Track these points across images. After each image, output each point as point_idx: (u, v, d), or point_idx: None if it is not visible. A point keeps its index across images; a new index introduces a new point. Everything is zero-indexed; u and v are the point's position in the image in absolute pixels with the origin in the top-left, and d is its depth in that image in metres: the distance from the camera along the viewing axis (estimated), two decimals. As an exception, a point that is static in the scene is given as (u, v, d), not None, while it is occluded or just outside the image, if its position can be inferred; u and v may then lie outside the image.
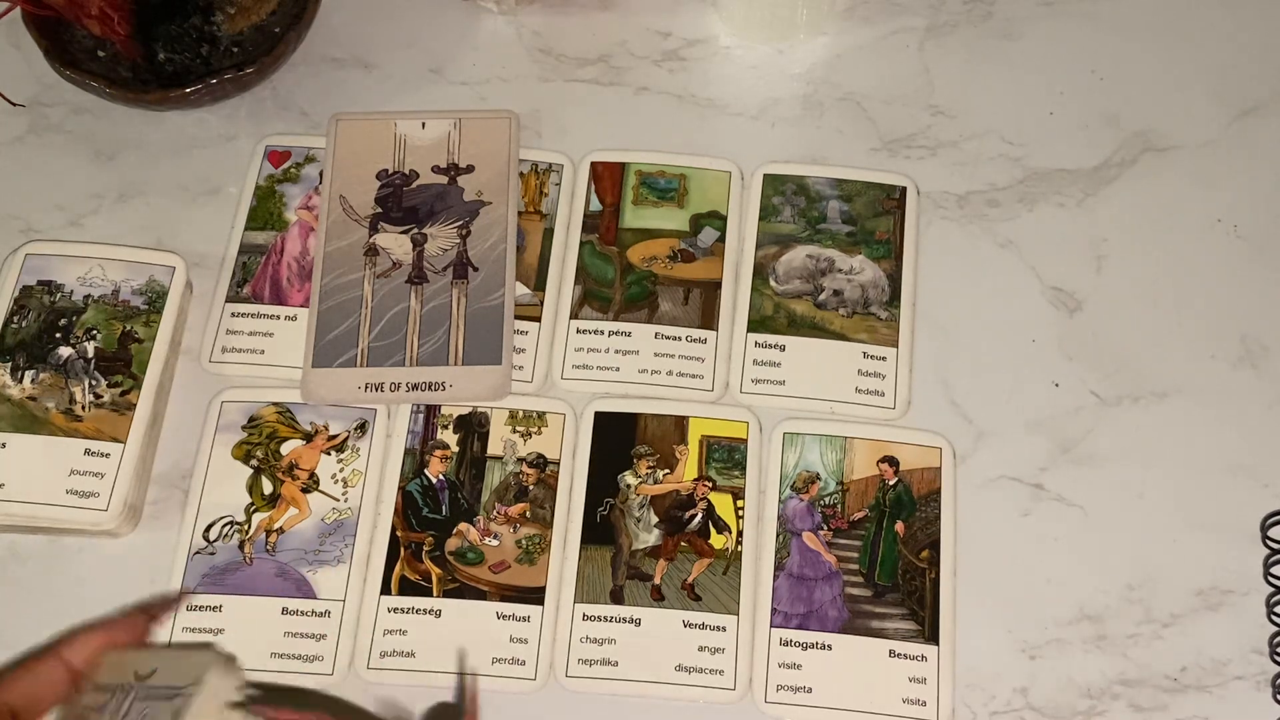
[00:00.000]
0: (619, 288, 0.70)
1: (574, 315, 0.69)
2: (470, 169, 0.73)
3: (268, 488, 0.65)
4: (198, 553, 0.63)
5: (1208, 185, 0.73)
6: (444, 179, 0.73)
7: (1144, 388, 0.67)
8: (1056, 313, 0.69)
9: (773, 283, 0.70)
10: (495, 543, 0.64)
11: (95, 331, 0.66)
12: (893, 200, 0.72)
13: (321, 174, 0.73)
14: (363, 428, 0.66)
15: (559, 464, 0.65)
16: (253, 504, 0.64)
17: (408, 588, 0.63)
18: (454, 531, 0.64)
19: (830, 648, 0.61)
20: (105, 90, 0.71)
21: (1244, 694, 0.60)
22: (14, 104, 0.75)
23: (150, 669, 0.46)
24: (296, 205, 0.72)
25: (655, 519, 0.64)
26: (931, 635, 0.61)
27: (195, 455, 0.65)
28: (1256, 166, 0.74)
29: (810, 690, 0.60)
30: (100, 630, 0.49)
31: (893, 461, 0.65)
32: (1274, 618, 0.62)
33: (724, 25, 0.78)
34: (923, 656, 0.61)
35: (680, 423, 0.66)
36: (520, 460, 0.65)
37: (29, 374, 0.65)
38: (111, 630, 0.50)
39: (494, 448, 0.66)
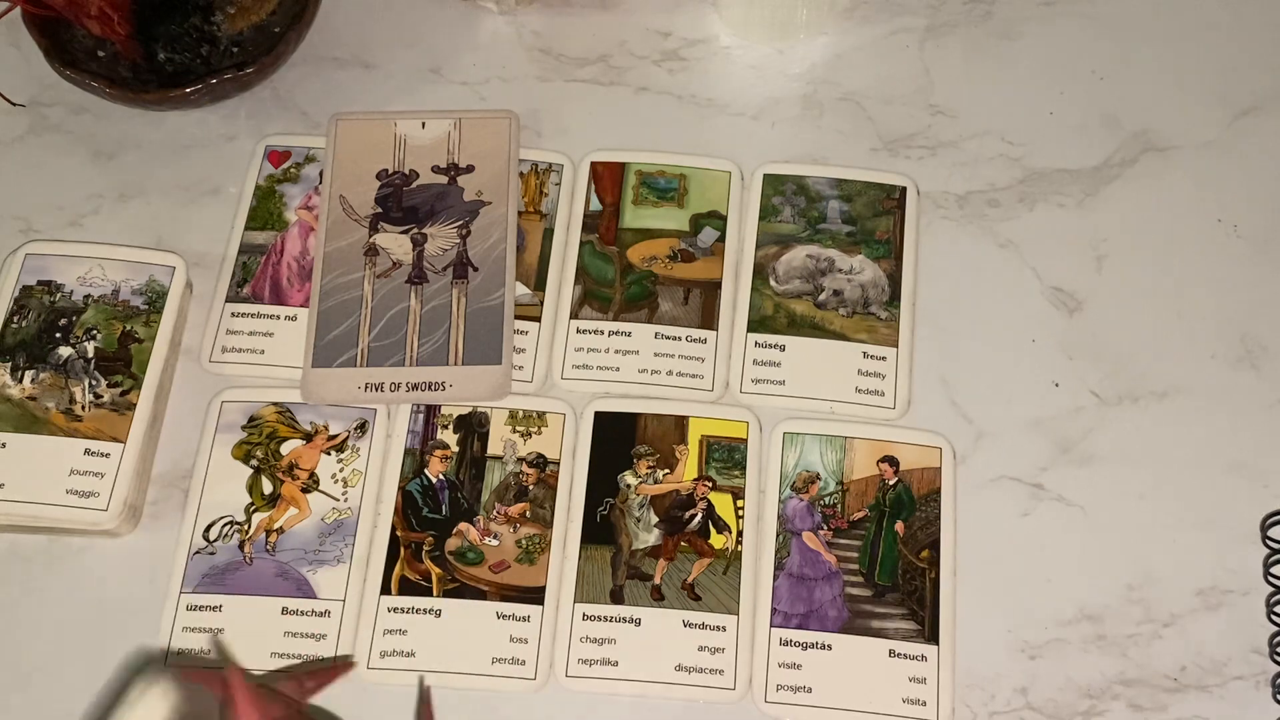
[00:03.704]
0: (619, 288, 0.70)
1: (574, 315, 0.69)
2: (470, 169, 0.73)
3: (268, 488, 0.65)
4: (198, 553, 0.63)
5: (1208, 185, 0.73)
6: (444, 179, 0.73)
7: (1144, 388, 0.67)
8: (1056, 313, 0.69)
9: (773, 283, 0.70)
10: (495, 542, 0.64)
11: (95, 331, 0.66)
12: (893, 200, 0.72)
13: (321, 174, 0.73)
14: (363, 428, 0.66)
15: (559, 464, 0.65)
16: (253, 504, 0.64)
17: (408, 588, 0.63)
18: (454, 531, 0.64)
19: (830, 648, 0.61)
20: (105, 90, 0.71)
21: (1244, 694, 0.60)
22: (14, 104, 0.75)
23: None
24: (296, 205, 0.72)
25: (655, 519, 0.64)
26: (931, 635, 0.61)
27: (195, 455, 0.65)
28: (1256, 166, 0.74)
29: (810, 690, 0.60)
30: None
31: (893, 461, 0.65)
32: (1274, 618, 0.61)
33: (724, 25, 0.78)
34: (923, 656, 0.61)
35: (680, 423, 0.66)
36: (520, 460, 0.65)
37: (29, 374, 0.65)
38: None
39: (494, 448, 0.66)
